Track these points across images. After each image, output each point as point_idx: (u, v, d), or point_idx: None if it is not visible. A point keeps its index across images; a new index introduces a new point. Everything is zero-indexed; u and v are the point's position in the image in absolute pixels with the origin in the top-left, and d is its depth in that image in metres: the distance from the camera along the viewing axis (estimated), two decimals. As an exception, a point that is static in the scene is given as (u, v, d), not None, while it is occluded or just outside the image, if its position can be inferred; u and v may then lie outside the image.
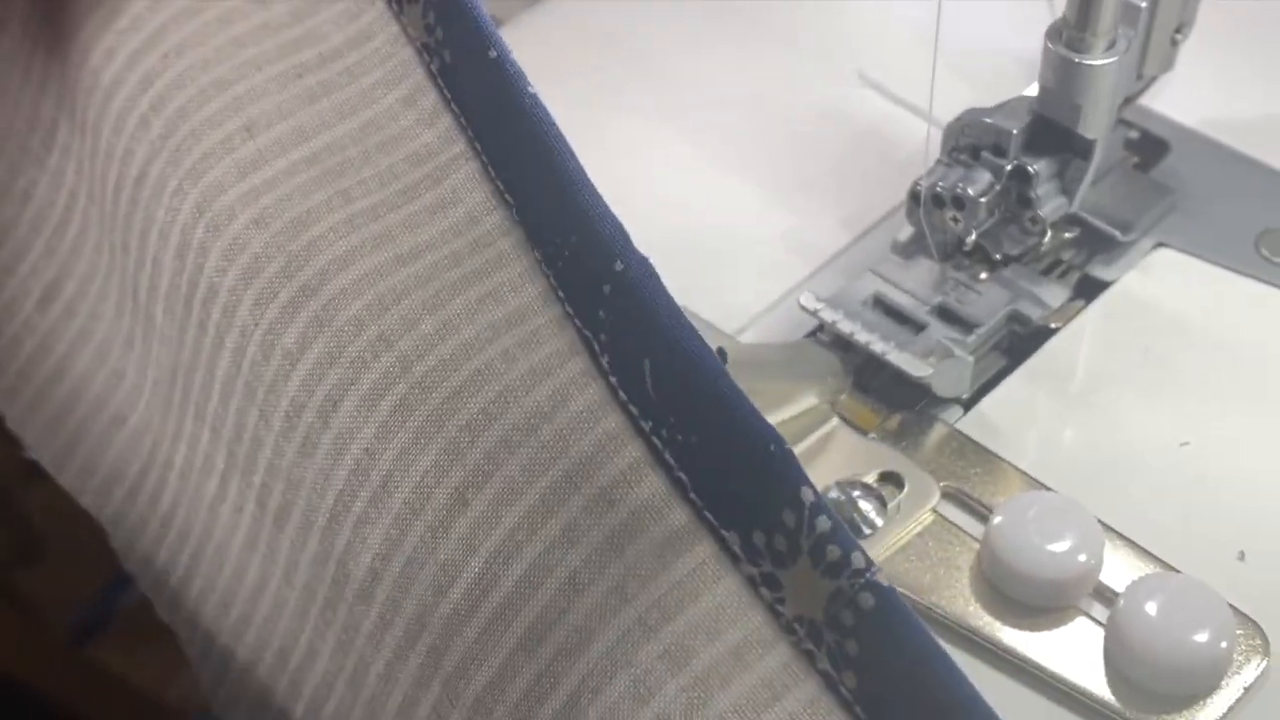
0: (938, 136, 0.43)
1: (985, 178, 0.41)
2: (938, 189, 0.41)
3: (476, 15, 0.35)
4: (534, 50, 0.53)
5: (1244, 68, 0.50)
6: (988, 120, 0.42)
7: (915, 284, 0.43)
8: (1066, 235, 0.44)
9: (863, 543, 0.37)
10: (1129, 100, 0.44)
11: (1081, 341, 0.42)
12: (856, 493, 0.38)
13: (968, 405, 0.41)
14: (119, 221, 0.40)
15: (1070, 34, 0.40)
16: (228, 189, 0.36)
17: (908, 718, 0.28)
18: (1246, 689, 0.35)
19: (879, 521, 0.38)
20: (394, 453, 0.33)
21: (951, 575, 0.37)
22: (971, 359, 0.41)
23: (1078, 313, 0.43)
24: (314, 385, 0.34)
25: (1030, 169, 0.41)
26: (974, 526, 0.38)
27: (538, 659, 0.31)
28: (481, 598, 0.31)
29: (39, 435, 0.45)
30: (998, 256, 0.43)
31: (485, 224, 0.35)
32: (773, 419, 0.39)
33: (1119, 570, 0.37)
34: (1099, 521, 0.37)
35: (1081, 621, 0.36)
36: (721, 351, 0.38)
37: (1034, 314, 0.42)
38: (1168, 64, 0.43)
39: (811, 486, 0.29)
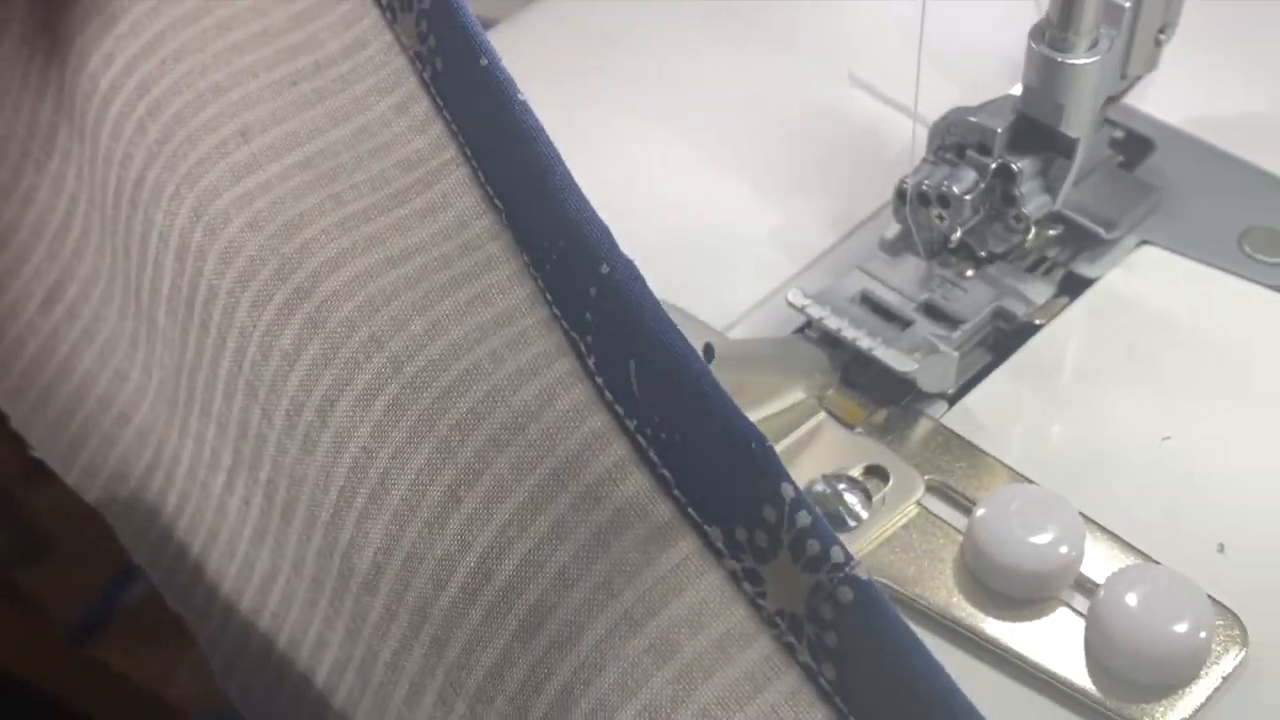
0: (924, 135, 0.43)
1: (970, 176, 0.42)
2: (923, 187, 0.42)
3: (468, 24, 0.35)
4: (529, 49, 0.54)
5: (1228, 67, 0.50)
6: (973, 119, 0.42)
7: (902, 281, 0.43)
8: (1051, 233, 0.44)
9: (848, 535, 0.38)
10: (1113, 99, 0.44)
11: (1066, 338, 0.43)
12: (842, 486, 0.39)
13: (953, 400, 0.42)
14: (119, 225, 0.41)
15: (1053, 34, 0.40)
16: (222, 193, 0.37)
17: (886, 709, 0.29)
18: (1225, 679, 0.35)
19: (864, 514, 0.39)
20: (390, 451, 0.33)
21: (935, 567, 0.38)
22: (956, 355, 0.41)
23: (1062, 309, 0.43)
24: (311, 385, 0.35)
25: (1014, 167, 0.42)
26: (958, 519, 0.39)
27: (533, 650, 0.32)
28: (478, 591, 0.32)
29: (44, 435, 0.46)
30: (983, 254, 0.43)
31: (475, 228, 0.35)
32: (760, 413, 0.40)
33: (1100, 562, 0.37)
34: (1081, 514, 0.37)
35: (1063, 612, 0.37)
36: (709, 348, 0.38)
37: (1019, 310, 0.43)
38: (1151, 64, 0.44)
39: (792, 483, 0.30)
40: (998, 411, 0.41)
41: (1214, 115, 0.49)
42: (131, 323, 0.42)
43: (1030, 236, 0.43)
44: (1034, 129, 0.42)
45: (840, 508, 0.39)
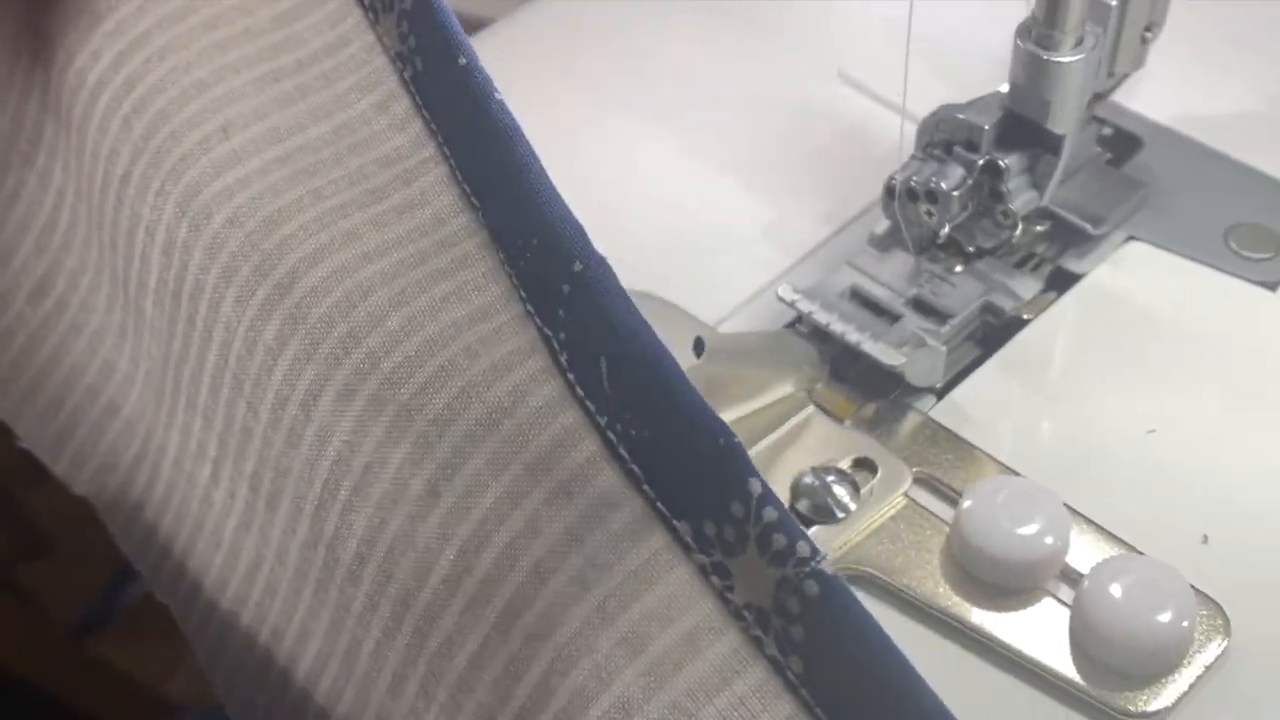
0: (913, 132, 0.44)
1: (958, 172, 0.42)
2: (912, 183, 0.42)
3: (447, 24, 0.36)
4: (523, 48, 0.54)
5: (1215, 66, 0.51)
6: (961, 116, 0.43)
7: (891, 276, 0.44)
8: (1038, 228, 0.45)
9: (836, 526, 0.39)
10: (1100, 97, 0.45)
11: (1053, 332, 0.43)
12: (831, 478, 0.39)
13: (941, 394, 0.42)
14: (106, 219, 0.41)
15: (1039, 31, 0.41)
16: (204, 188, 0.37)
17: (851, 700, 0.29)
18: (1208, 668, 0.36)
19: (852, 506, 0.39)
20: (371, 445, 0.34)
21: (922, 557, 0.38)
22: (944, 349, 0.42)
23: (1049, 304, 0.44)
24: (295, 380, 0.35)
25: (1002, 164, 0.42)
26: (945, 511, 0.39)
27: (511, 641, 0.32)
28: (458, 583, 0.33)
29: (32, 425, 0.46)
30: (971, 249, 0.44)
31: (451, 225, 0.36)
32: (750, 406, 0.40)
33: (1085, 553, 0.38)
34: (1066, 506, 0.38)
35: (1048, 602, 0.37)
36: (699, 341, 0.39)
37: (1006, 305, 0.43)
38: (1138, 62, 0.44)
39: (759, 478, 0.30)
40: (985, 405, 0.42)
41: (1201, 113, 0.49)
42: (119, 314, 0.43)
43: (1018, 232, 0.43)
44: (1021, 126, 0.42)
45: (829, 499, 0.39)
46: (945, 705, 0.29)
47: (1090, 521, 0.38)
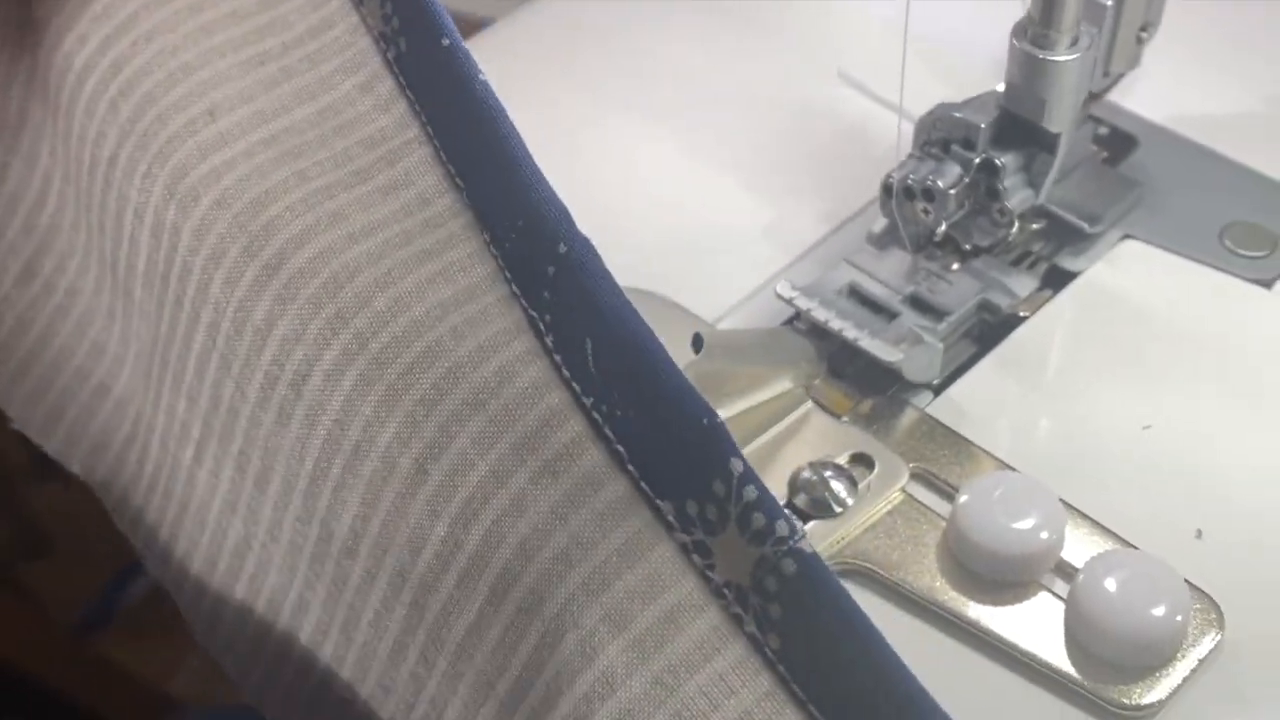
0: (910, 131, 0.44)
1: (954, 171, 0.43)
2: (909, 182, 0.43)
3: (430, 5, 0.36)
4: (524, 48, 0.55)
5: (1211, 65, 0.51)
6: (957, 115, 0.43)
7: (888, 274, 0.44)
8: (1034, 227, 0.45)
9: (834, 521, 0.39)
10: (1096, 96, 0.45)
11: (1049, 330, 0.44)
12: (829, 473, 0.40)
13: (938, 390, 0.42)
14: (94, 202, 0.41)
15: (1035, 31, 0.41)
16: (190, 171, 0.38)
17: (829, 676, 0.30)
18: (1201, 661, 0.36)
19: (850, 501, 0.39)
20: (360, 424, 0.34)
21: (919, 552, 0.38)
22: (941, 346, 0.42)
23: (1045, 302, 0.44)
24: (284, 360, 0.36)
25: (998, 162, 0.43)
26: (941, 506, 0.39)
27: (503, 613, 0.33)
28: (450, 559, 0.33)
29: (21, 407, 0.47)
30: (968, 247, 0.44)
31: (436, 205, 0.36)
32: (749, 402, 0.41)
33: (1080, 548, 0.38)
34: (1061, 501, 0.38)
35: (1043, 596, 0.37)
36: (698, 337, 0.39)
37: (1003, 303, 0.43)
38: (1134, 61, 0.44)
39: (741, 458, 0.31)
40: (982, 401, 0.42)
41: (1197, 112, 0.49)
42: (108, 296, 0.43)
43: (1014, 230, 0.44)
44: (1017, 125, 0.43)
45: (826, 494, 0.39)
46: (920, 682, 0.29)
47: (1085, 516, 0.39)
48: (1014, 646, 0.37)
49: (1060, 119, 0.42)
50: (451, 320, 0.34)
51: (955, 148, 0.43)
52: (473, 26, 0.55)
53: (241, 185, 0.37)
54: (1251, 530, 0.39)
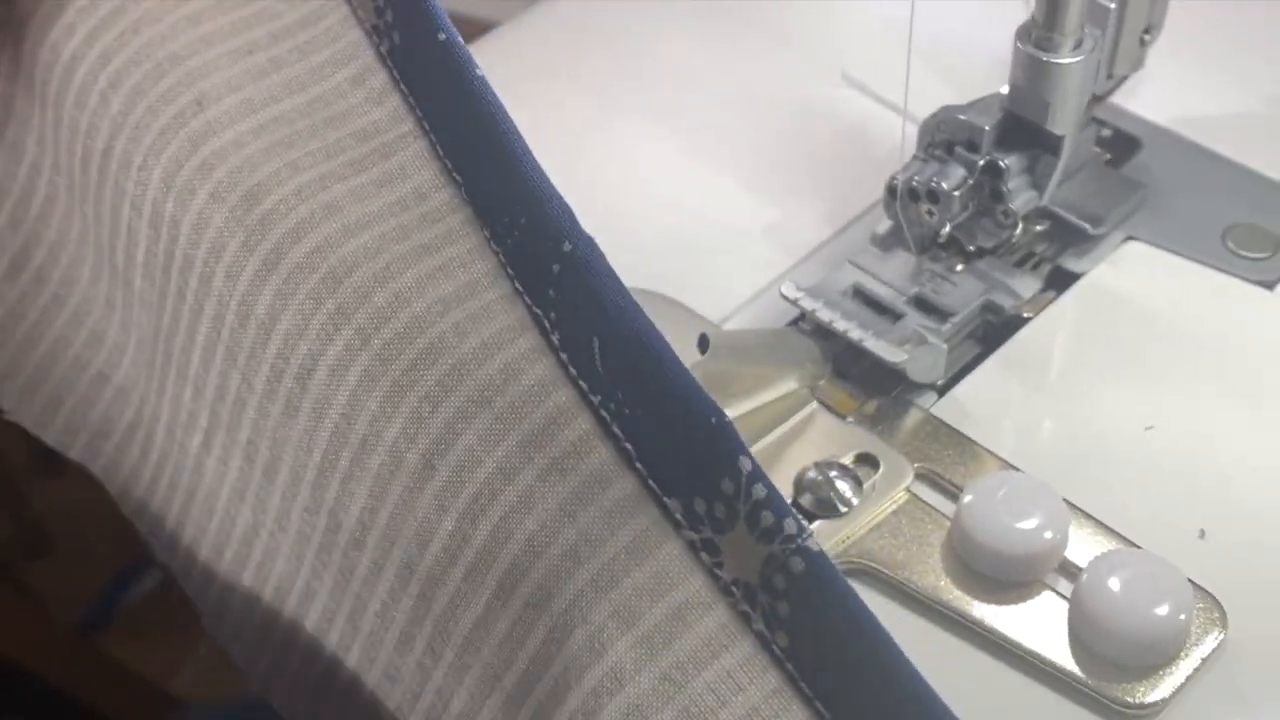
0: (914, 133, 0.44)
1: (959, 173, 0.43)
2: (913, 183, 0.43)
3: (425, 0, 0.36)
4: (529, 50, 0.55)
5: (1215, 67, 0.51)
6: (961, 117, 0.43)
7: (893, 275, 0.44)
8: (1038, 228, 0.45)
9: (839, 521, 0.39)
10: (1100, 98, 0.45)
11: (1052, 330, 0.44)
12: (834, 473, 0.40)
13: (942, 391, 0.43)
14: (89, 193, 0.41)
15: (1039, 34, 0.41)
16: (183, 163, 0.37)
17: (836, 674, 0.30)
18: (1204, 660, 0.36)
19: (855, 501, 0.39)
20: (366, 419, 0.34)
21: (924, 551, 0.39)
22: (946, 346, 0.42)
23: (1049, 303, 0.44)
24: (289, 354, 0.35)
25: (1002, 164, 0.43)
26: (946, 505, 0.40)
27: (511, 608, 0.33)
28: (457, 553, 0.33)
29: (17, 399, 0.47)
30: (972, 249, 0.44)
31: (433, 200, 0.36)
32: (754, 403, 0.41)
33: (1084, 547, 0.38)
34: (1065, 501, 0.38)
35: (1047, 596, 0.38)
36: (704, 338, 0.39)
37: (1007, 304, 0.44)
38: (1137, 63, 0.45)
39: (749, 456, 0.31)
40: (986, 402, 0.42)
41: (1200, 114, 0.49)
42: (106, 285, 0.43)
43: (1018, 232, 0.44)
44: (1021, 127, 0.43)
45: (832, 494, 0.39)
46: (927, 681, 0.29)
47: (1089, 516, 0.39)
48: (1018, 645, 0.37)
49: (1064, 121, 0.42)
50: (453, 317, 0.34)
51: (959, 150, 0.43)
52: (477, 29, 0.56)
53: (233, 177, 0.37)
54: (1254, 530, 0.39)
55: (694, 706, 0.31)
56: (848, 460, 0.40)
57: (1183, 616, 0.36)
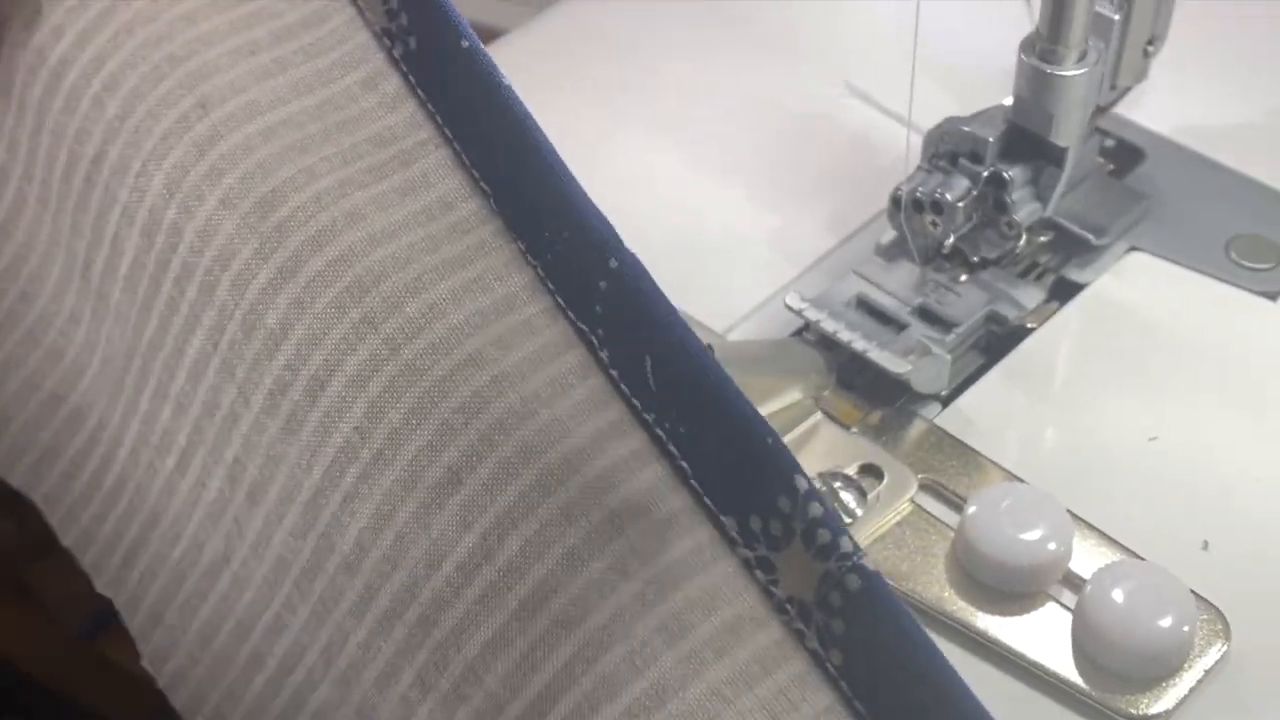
0: (919, 144, 0.44)
1: (963, 184, 0.43)
2: (917, 194, 0.43)
3: (443, 4, 0.35)
4: (535, 60, 0.55)
5: (1218, 78, 0.51)
6: (965, 128, 0.43)
7: (897, 285, 0.44)
8: (1042, 239, 0.45)
9: (842, 532, 0.39)
10: (1103, 109, 0.45)
11: (1056, 341, 0.44)
12: (838, 484, 0.40)
13: (946, 402, 0.43)
14: (70, 201, 0.40)
15: (1043, 46, 0.41)
16: (190, 169, 0.36)
17: (889, 693, 0.30)
18: (1207, 672, 0.36)
19: (859, 511, 0.39)
20: (385, 432, 0.33)
21: (928, 563, 0.39)
22: (949, 357, 0.42)
23: (1053, 314, 0.45)
24: (299, 366, 0.34)
25: (1006, 175, 0.43)
26: (950, 517, 0.40)
27: (532, 630, 0.32)
28: (476, 570, 0.32)
29: None
30: (976, 259, 0.44)
31: (461, 210, 0.35)
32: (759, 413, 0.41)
33: (1087, 558, 0.38)
34: (1069, 512, 0.38)
35: (1051, 607, 0.38)
36: (708, 348, 0.39)
37: (1011, 314, 0.44)
38: (1141, 75, 0.45)
39: (804, 475, 0.30)
40: (989, 413, 0.42)
41: (1204, 125, 0.50)
42: (73, 299, 0.41)
43: (1021, 243, 0.44)
44: (1025, 138, 0.43)
45: (836, 505, 0.39)
46: (980, 702, 0.29)
47: (1092, 527, 0.39)
48: (1022, 656, 0.37)
49: (1068, 133, 0.42)
50: (494, 329, 0.33)
51: (963, 161, 0.43)
52: (484, 37, 0.55)
53: (245, 183, 0.36)
54: (1257, 541, 0.39)
55: None
56: (852, 471, 0.40)
57: (1186, 628, 0.36)
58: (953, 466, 0.41)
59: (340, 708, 0.36)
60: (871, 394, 0.43)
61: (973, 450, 0.41)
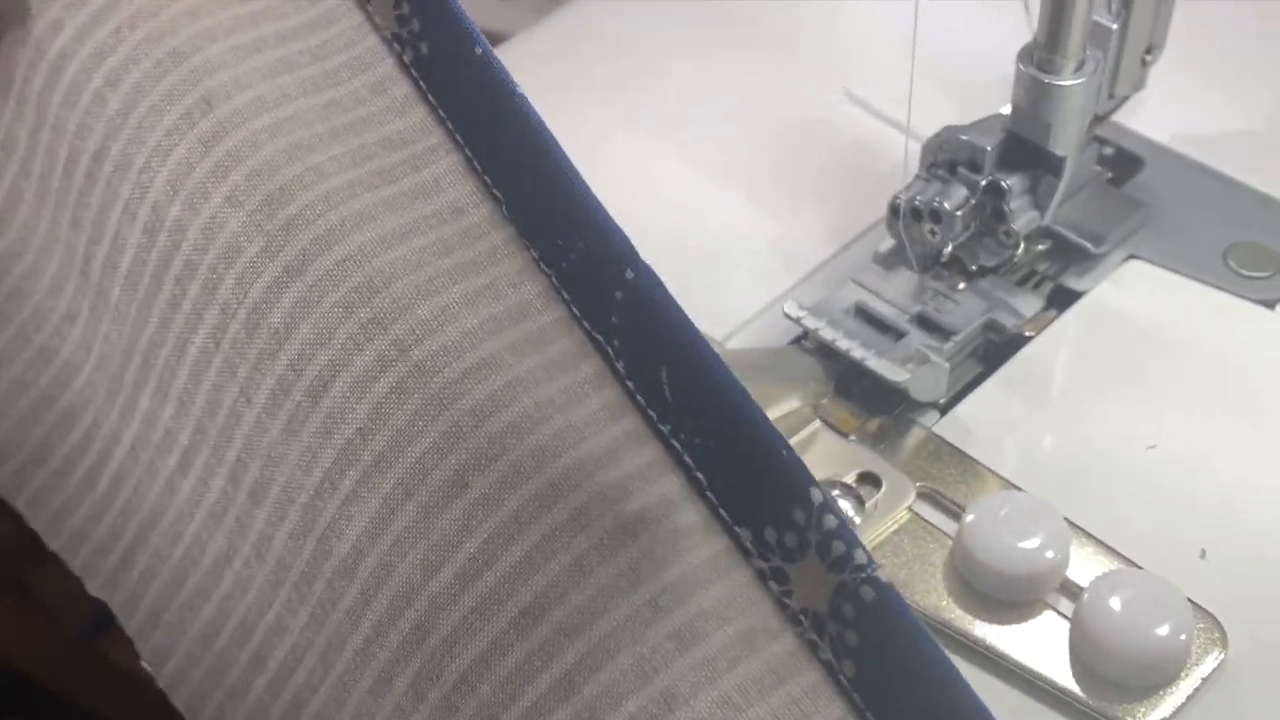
0: (917, 152, 0.44)
1: (961, 192, 0.43)
2: (916, 203, 0.43)
3: (456, 10, 0.35)
4: (537, 64, 0.55)
5: (1215, 87, 0.52)
6: (964, 137, 0.43)
7: (895, 293, 0.44)
8: (1040, 248, 0.45)
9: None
10: (1101, 118, 0.45)
11: (1054, 349, 0.44)
12: (836, 492, 0.40)
13: (944, 410, 0.43)
14: (70, 197, 0.39)
15: (1041, 56, 0.41)
16: (195, 165, 0.36)
17: (901, 705, 0.30)
18: (1205, 680, 0.36)
19: (857, 520, 0.40)
20: (389, 434, 0.33)
21: (926, 571, 0.39)
22: (948, 365, 0.42)
23: (1051, 322, 0.45)
24: (303, 366, 0.34)
25: (1004, 184, 0.43)
26: (948, 525, 0.40)
27: (532, 637, 0.32)
28: (476, 576, 0.32)
29: None
30: (974, 268, 0.44)
31: (473, 216, 0.35)
32: (756, 421, 0.41)
33: (1085, 567, 0.38)
34: (1066, 520, 0.39)
35: (1049, 615, 0.38)
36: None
37: (1009, 323, 0.44)
38: (1139, 84, 0.45)
39: (819, 487, 0.31)
40: (988, 421, 0.42)
41: (1202, 133, 0.50)
42: (70, 297, 0.41)
43: (1020, 251, 0.44)
44: (1023, 147, 0.43)
45: (834, 513, 0.40)
46: (992, 715, 0.29)
47: (1090, 536, 0.39)
48: (1019, 665, 0.37)
49: (1066, 142, 0.43)
50: (508, 336, 0.33)
51: (962, 169, 0.43)
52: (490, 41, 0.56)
53: (252, 181, 0.35)
54: (1254, 550, 0.39)
55: None
56: (850, 479, 0.41)
57: (1183, 636, 0.36)
58: (951, 474, 0.41)
59: (338, 714, 0.36)
60: (870, 402, 0.43)
61: (971, 458, 0.41)
